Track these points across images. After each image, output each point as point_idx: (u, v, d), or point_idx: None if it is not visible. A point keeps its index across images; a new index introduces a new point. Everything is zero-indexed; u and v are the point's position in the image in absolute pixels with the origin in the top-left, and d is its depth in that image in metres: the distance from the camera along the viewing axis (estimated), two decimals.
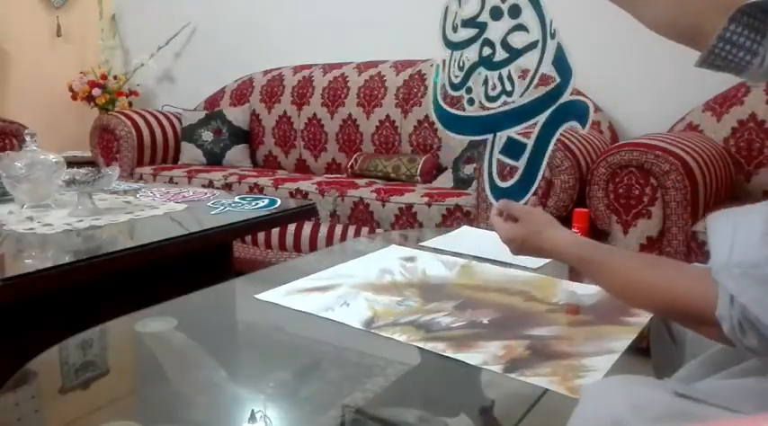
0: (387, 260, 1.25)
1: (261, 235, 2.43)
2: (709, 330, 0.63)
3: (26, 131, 1.67)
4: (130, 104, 3.63)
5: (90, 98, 3.56)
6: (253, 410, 0.69)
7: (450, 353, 0.84)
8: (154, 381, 0.84)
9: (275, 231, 2.38)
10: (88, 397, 0.81)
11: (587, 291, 1.07)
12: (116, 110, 3.30)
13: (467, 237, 1.49)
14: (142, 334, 0.94)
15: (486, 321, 0.95)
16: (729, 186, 1.99)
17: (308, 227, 2.34)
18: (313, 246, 2.32)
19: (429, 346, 0.86)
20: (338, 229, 2.29)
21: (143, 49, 3.64)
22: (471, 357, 0.82)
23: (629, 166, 1.73)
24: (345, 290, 1.07)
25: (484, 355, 0.83)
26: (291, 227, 2.35)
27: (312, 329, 0.97)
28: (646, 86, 2.35)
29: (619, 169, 1.76)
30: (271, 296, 1.06)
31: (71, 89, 3.59)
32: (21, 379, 0.78)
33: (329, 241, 2.28)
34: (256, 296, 1.05)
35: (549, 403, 0.77)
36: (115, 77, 3.66)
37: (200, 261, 1.55)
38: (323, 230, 2.32)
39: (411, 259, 1.24)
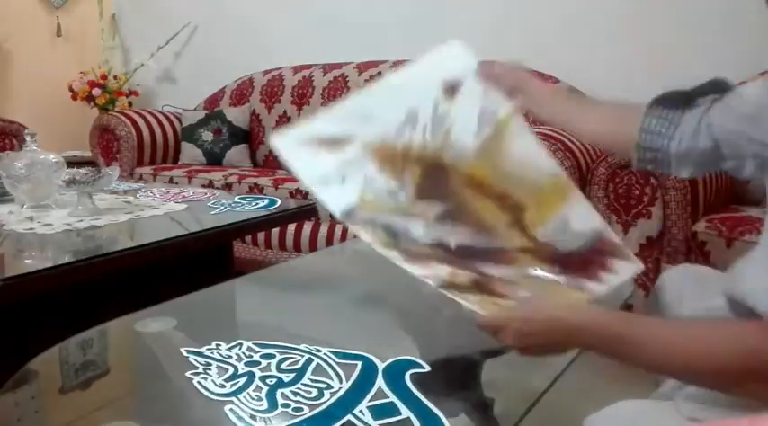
0: (421, 91, 1.03)
1: (261, 235, 2.43)
2: None
3: (26, 131, 1.67)
4: (130, 104, 3.63)
5: (90, 98, 3.56)
6: (252, 409, 0.69)
7: (398, 262, 0.84)
8: (154, 381, 0.84)
9: (275, 231, 2.38)
10: (88, 397, 0.81)
11: (582, 227, 0.90)
12: (116, 110, 3.31)
13: None
14: (142, 334, 0.94)
15: (453, 246, 0.91)
16: (729, 186, 1.99)
17: (308, 227, 2.34)
18: (313, 246, 2.32)
19: (386, 252, 0.86)
20: (338, 229, 2.29)
21: (143, 49, 3.64)
22: (416, 269, 0.84)
23: (629, 166, 1.73)
24: (353, 153, 0.97)
25: (428, 271, 0.84)
26: (291, 227, 2.36)
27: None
28: (646, 87, 2.34)
29: (619, 169, 1.76)
30: (284, 142, 0.99)
31: (71, 89, 3.59)
32: (21, 379, 0.78)
33: (329, 241, 2.28)
34: (272, 138, 0.99)
35: (550, 403, 0.77)
36: (115, 77, 3.67)
37: (200, 261, 1.55)
38: (323, 230, 2.32)
39: (453, 90, 1.01)
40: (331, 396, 0.72)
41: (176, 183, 2.67)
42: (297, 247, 2.36)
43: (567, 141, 1.90)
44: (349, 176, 0.97)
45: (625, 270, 0.87)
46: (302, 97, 3.04)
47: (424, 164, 0.97)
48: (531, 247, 0.91)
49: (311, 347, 0.84)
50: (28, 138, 1.64)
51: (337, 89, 2.93)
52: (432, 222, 0.93)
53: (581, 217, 0.92)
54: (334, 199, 0.94)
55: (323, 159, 0.98)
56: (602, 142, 0.99)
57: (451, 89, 1.02)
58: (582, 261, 0.88)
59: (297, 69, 3.15)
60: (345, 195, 0.94)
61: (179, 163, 3.11)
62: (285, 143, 0.99)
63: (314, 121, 1.02)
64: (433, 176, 0.97)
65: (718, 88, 0.81)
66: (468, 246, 0.92)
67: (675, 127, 0.82)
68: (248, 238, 2.47)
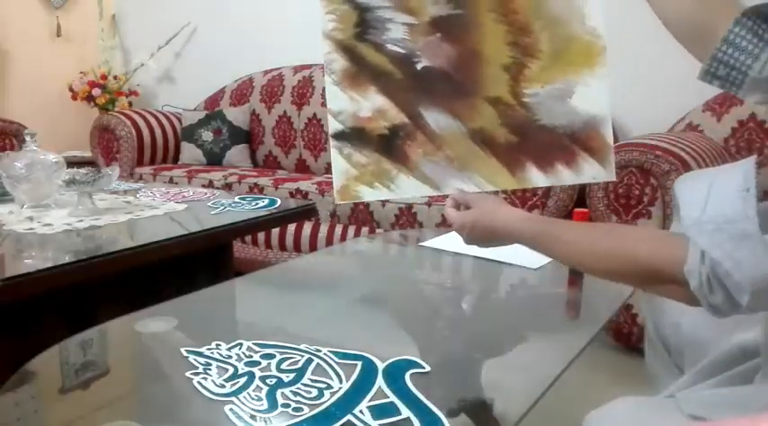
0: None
1: (261, 235, 2.43)
2: (674, 289, 0.62)
3: (26, 131, 1.67)
4: (130, 104, 3.63)
5: (90, 98, 3.56)
6: (252, 409, 0.69)
7: (328, 80, 0.76)
8: (154, 381, 0.84)
9: (275, 231, 2.38)
10: (88, 397, 0.81)
11: (582, 105, 0.78)
12: (116, 111, 3.30)
13: None
14: (142, 334, 0.94)
15: (419, 66, 0.79)
16: None
17: (308, 227, 2.34)
18: (313, 246, 2.32)
19: (329, 56, 0.77)
20: (338, 229, 2.29)
21: (143, 49, 3.64)
22: (338, 97, 0.76)
23: (629, 166, 1.73)
24: None
25: (351, 105, 0.77)
26: (291, 227, 2.36)
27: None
28: (646, 86, 2.34)
29: (619, 169, 1.76)
30: None
31: (71, 89, 3.59)
32: (21, 379, 0.78)
33: (329, 241, 2.28)
34: None
35: (550, 402, 0.77)
36: (115, 77, 3.66)
37: (200, 261, 1.55)
38: (323, 230, 2.32)
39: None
40: (331, 396, 0.72)
41: (176, 183, 2.67)
42: (297, 247, 2.36)
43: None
44: None
45: (591, 172, 0.78)
46: (302, 97, 3.04)
47: None
48: (508, 102, 0.79)
49: (311, 347, 0.84)
50: (28, 138, 1.64)
51: None
52: (423, 24, 0.80)
53: (589, 95, 0.79)
54: None
55: None
56: (682, 32, 0.75)
57: None
58: (549, 142, 0.78)
59: (297, 69, 3.15)
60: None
61: (179, 163, 3.11)
62: None
63: None
64: None
65: None
66: (437, 73, 0.80)
67: (766, 45, 0.67)
68: (248, 238, 2.47)
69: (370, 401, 0.71)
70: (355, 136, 0.78)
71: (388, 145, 0.79)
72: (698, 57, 0.72)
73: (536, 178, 0.77)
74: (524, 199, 1.91)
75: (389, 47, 0.79)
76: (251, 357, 0.82)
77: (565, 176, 0.77)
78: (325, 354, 0.82)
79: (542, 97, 0.78)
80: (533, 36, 0.78)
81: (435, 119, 0.79)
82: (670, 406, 0.63)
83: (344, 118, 0.78)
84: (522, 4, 0.78)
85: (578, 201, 1.87)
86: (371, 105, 0.79)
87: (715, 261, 0.58)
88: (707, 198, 0.61)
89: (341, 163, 0.78)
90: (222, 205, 1.70)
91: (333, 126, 0.79)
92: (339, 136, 0.78)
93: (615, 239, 0.68)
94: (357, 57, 0.78)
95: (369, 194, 0.79)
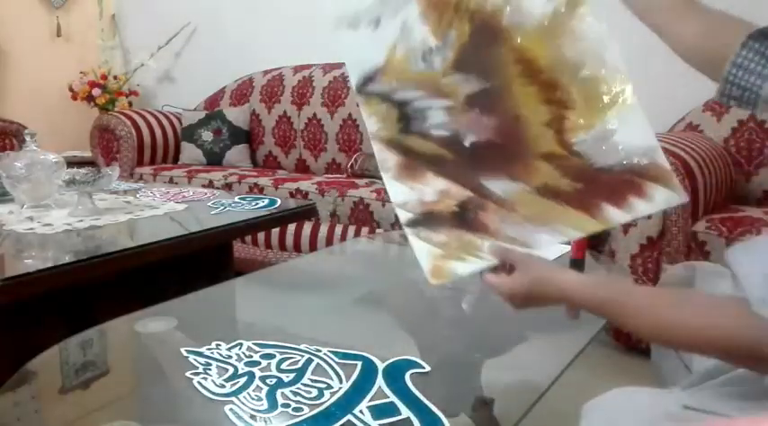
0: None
1: (261, 235, 2.43)
2: (763, 366, 0.60)
3: (26, 131, 1.67)
4: (130, 104, 3.63)
5: (90, 98, 3.56)
6: (252, 409, 0.69)
7: (386, 178, 0.77)
8: (154, 381, 0.84)
9: (275, 231, 2.38)
10: (88, 397, 0.81)
11: (628, 139, 0.79)
12: (116, 111, 3.30)
13: None
14: (142, 334, 0.94)
15: (467, 143, 0.81)
16: (729, 186, 1.99)
17: (308, 227, 2.34)
18: (313, 246, 2.32)
19: (381, 155, 0.78)
20: (338, 229, 2.29)
21: (143, 49, 3.64)
22: (400, 190, 0.76)
23: None
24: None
25: (414, 194, 0.77)
26: (291, 227, 2.35)
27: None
28: (646, 86, 2.34)
29: None
30: None
31: (71, 89, 3.59)
32: (21, 379, 0.78)
33: (329, 241, 2.28)
34: None
35: (550, 403, 0.77)
36: (115, 77, 3.67)
37: (200, 261, 1.55)
38: (323, 230, 2.32)
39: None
40: (331, 396, 0.72)
41: (176, 183, 2.67)
42: (297, 247, 2.36)
43: None
44: (384, 19, 0.84)
45: (663, 198, 0.76)
46: (302, 97, 3.04)
47: (476, 22, 0.83)
48: (560, 154, 0.79)
49: (311, 347, 0.84)
50: (28, 138, 1.63)
51: (337, 89, 2.93)
52: (459, 104, 0.81)
53: (631, 129, 0.79)
54: (357, 51, 0.83)
55: None
56: (694, 59, 0.80)
57: None
58: (613, 180, 0.77)
59: (297, 69, 3.15)
60: (373, 48, 0.82)
61: (179, 163, 3.11)
62: None
63: None
64: (483, 40, 0.83)
65: None
66: (486, 145, 0.81)
67: None
68: (248, 238, 2.47)
69: (370, 401, 0.71)
70: (427, 219, 0.77)
71: (463, 219, 0.78)
72: (711, 78, 0.73)
73: (615, 215, 0.76)
74: None
75: (434, 132, 0.81)
76: (251, 357, 0.82)
77: (641, 208, 0.76)
78: (325, 354, 0.82)
79: (590, 142, 0.79)
80: (563, 89, 0.79)
81: (498, 186, 0.80)
82: (666, 397, 0.63)
83: (411, 206, 0.78)
84: (545, 64, 0.80)
85: None
86: (433, 189, 0.79)
87: None
88: (765, 274, 0.59)
89: (421, 245, 0.76)
90: (222, 205, 1.70)
91: (402, 216, 0.78)
92: (411, 223, 0.77)
93: (684, 311, 0.64)
94: (407, 149, 0.80)
95: (462, 268, 0.76)
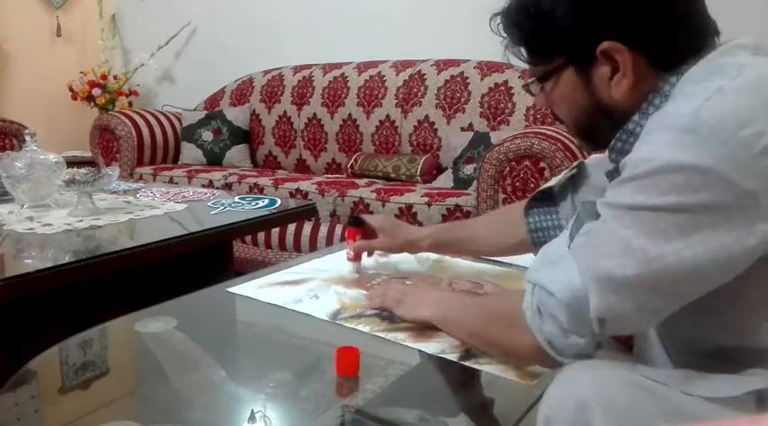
0: (363, 255, 1.25)
1: (261, 235, 2.43)
2: (519, 335, 0.68)
3: (26, 131, 1.67)
4: (130, 104, 3.63)
5: (90, 98, 3.56)
6: (252, 410, 0.69)
7: (409, 343, 0.86)
8: (154, 381, 0.84)
9: (275, 231, 2.38)
10: (88, 397, 0.81)
11: None
12: (116, 110, 3.30)
13: None
14: (142, 334, 0.94)
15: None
16: None
17: (308, 227, 2.34)
18: (313, 246, 2.31)
19: (390, 336, 0.88)
20: (338, 229, 2.29)
21: (143, 49, 3.64)
22: (430, 346, 0.85)
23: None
24: (317, 284, 1.09)
25: (442, 344, 0.85)
26: (291, 227, 2.36)
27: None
28: None
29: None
30: (243, 289, 1.07)
31: (71, 89, 3.59)
32: (21, 379, 0.78)
33: (329, 241, 2.28)
34: (228, 289, 1.07)
35: None
36: (115, 77, 3.67)
37: (201, 261, 1.55)
38: (323, 230, 2.32)
39: (385, 254, 1.24)
40: None
41: (176, 183, 2.67)
42: (297, 247, 2.36)
43: (566, 141, 1.90)
44: (321, 294, 1.04)
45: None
46: (302, 97, 3.04)
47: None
48: None
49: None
50: (28, 138, 1.64)
51: (337, 89, 2.93)
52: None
53: None
54: (315, 308, 0.99)
55: (289, 290, 1.07)
56: (501, 254, 1.13)
57: (385, 254, 1.22)
58: None
59: (297, 69, 3.15)
60: (325, 305, 1.00)
61: (179, 163, 3.11)
62: (247, 289, 1.08)
63: (269, 276, 1.15)
64: (401, 283, 1.07)
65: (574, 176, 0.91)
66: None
67: (557, 213, 0.91)
68: (248, 238, 2.47)
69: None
70: (468, 352, 0.84)
71: None
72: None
73: None
74: (524, 199, 1.91)
75: None
76: None
77: None
78: None
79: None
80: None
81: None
82: (629, 366, 0.64)
83: (447, 353, 0.84)
84: (447, 274, 1.12)
85: None
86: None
87: (539, 286, 0.65)
88: (543, 253, 0.70)
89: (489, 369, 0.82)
90: (222, 205, 1.70)
91: (454, 359, 0.84)
92: (462, 359, 0.83)
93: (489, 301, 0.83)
94: (407, 329, 0.91)
95: None
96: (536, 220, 0.93)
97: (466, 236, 1.11)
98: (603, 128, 0.72)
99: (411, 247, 1.13)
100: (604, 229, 0.62)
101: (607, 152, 0.74)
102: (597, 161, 0.89)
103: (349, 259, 1.16)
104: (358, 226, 1.16)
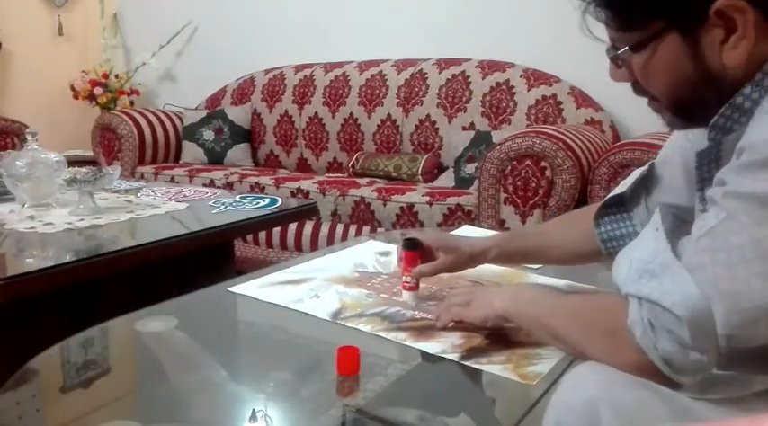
0: (363, 254, 1.26)
1: (262, 235, 2.43)
2: (622, 351, 0.60)
3: (27, 130, 1.67)
4: (132, 103, 3.63)
5: (91, 97, 3.56)
6: (254, 409, 0.69)
7: (410, 342, 0.86)
8: (154, 381, 0.84)
9: (276, 230, 2.38)
10: (89, 396, 0.81)
11: (555, 283, 1.06)
12: (117, 110, 3.31)
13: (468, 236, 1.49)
14: (142, 334, 0.94)
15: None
16: None
17: (309, 227, 2.34)
18: (314, 246, 2.31)
19: (391, 336, 0.88)
20: (339, 228, 2.29)
21: (145, 48, 3.64)
22: (431, 346, 0.85)
23: (630, 166, 1.73)
24: (318, 283, 1.09)
25: (443, 344, 0.85)
26: (293, 227, 2.36)
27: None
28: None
29: (620, 168, 1.76)
30: (244, 289, 1.07)
31: (72, 88, 3.60)
32: (22, 378, 0.78)
33: (330, 240, 2.28)
34: (229, 288, 1.07)
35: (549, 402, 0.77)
36: (117, 76, 3.67)
37: (201, 260, 1.55)
38: (324, 229, 2.32)
39: (386, 253, 1.25)
40: None
41: (177, 182, 2.67)
42: (298, 246, 2.36)
43: (568, 140, 1.90)
44: (322, 293, 1.04)
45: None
46: (303, 96, 3.04)
47: (387, 280, 1.10)
48: None
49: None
50: (29, 137, 1.64)
51: (339, 88, 2.93)
52: (419, 303, 0.99)
53: (549, 281, 1.06)
54: (316, 307, 0.98)
55: (290, 290, 1.06)
56: (572, 263, 1.01)
57: (386, 253, 1.24)
58: None
59: (298, 68, 3.15)
60: (326, 304, 1.00)
61: (180, 162, 3.11)
62: (248, 289, 1.07)
63: (269, 275, 1.14)
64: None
65: (640, 181, 0.85)
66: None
67: (630, 220, 0.85)
68: (249, 237, 2.47)
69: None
70: (471, 351, 0.83)
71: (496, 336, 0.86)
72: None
73: None
74: (525, 198, 1.91)
75: (417, 316, 0.95)
76: None
77: None
78: None
79: None
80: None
81: None
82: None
83: (449, 353, 0.83)
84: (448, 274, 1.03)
85: (580, 201, 1.86)
86: (455, 337, 0.87)
87: (648, 300, 0.57)
88: (631, 257, 0.63)
89: (491, 369, 0.81)
90: (223, 204, 1.70)
91: (454, 357, 0.83)
92: (464, 358, 0.82)
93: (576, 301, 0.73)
94: (408, 329, 0.91)
95: (543, 366, 0.80)
96: (608, 229, 0.86)
97: (534, 246, 1.01)
98: (708, 102, 0.62)
99: (475, 261, 1.01)
100: (730, 227, 0.54)
101: (707, 130, 0.64)
102: (664, 157, 0.82)
103: (406, 288, 0.98)
104: (416, 249, 0.98)
